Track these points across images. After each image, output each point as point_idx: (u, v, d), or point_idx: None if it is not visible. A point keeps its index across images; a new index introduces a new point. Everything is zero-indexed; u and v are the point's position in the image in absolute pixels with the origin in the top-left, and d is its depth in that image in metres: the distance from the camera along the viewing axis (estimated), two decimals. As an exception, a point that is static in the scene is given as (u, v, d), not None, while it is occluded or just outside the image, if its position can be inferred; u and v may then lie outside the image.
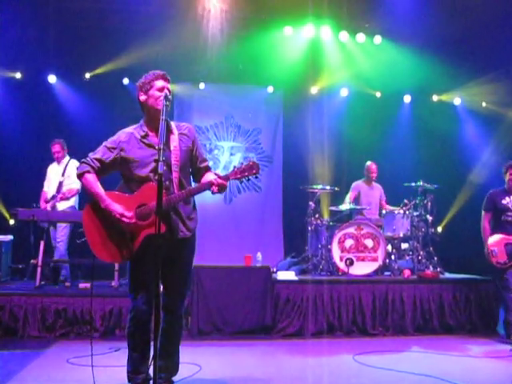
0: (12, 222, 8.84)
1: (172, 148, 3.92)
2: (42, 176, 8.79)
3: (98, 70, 9.49)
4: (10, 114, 9.06)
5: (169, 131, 3.94)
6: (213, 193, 3.87)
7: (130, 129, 4.06)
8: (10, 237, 8.02)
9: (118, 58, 9.12)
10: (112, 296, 6.56)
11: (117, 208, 3.81)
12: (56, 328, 6.35)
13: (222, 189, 3.87)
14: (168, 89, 3.93)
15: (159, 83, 3.93)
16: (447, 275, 7.95)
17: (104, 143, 4.02)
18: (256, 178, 3.97)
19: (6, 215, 8.94)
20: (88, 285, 7.17)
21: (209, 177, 3.99)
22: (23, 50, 9.03)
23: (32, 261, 7.40)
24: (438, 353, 5.91)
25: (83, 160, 3.99)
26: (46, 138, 9.12)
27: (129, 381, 4.04)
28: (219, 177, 3.86)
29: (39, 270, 7.02)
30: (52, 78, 9.54)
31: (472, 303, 7.12)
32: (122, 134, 4.02)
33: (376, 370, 5.16)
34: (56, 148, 7.95)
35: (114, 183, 4.07)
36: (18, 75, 9.37)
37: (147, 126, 4.02)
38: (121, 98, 9.07)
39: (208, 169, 4.19)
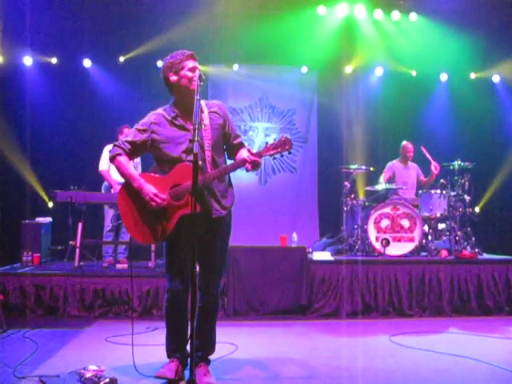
0: (51, 204, 9.00)
1: (203, 127, 3.91)
2: (79, 158, 8.93)
3: (132, 54, 9.51)
4: (46, 99, 9.18)
5: (199, 110, 3.93)
6: (247, 170, 3.86)
7: (159, 110, 4.06)
8: (49, 219, 8.17)
9: (151, 41, 9.12)
10: (149, 276, 6.64)
11: (150, 189, 3.82)
12: (95, 308, 6.46)
13: (255, 166, 3.84)
14: (198, 69, 3.92)
15: (190, 63, 3.92)
16: (485, 256, 7.84)
17: (135, 126, 4.04)
18: (289, 153, 3.89)
19: (45, 198, 9.09)
20: (125, 265, 7.29)
21: (242, 154, 3.95)
22: (58, 35, 9.14)
23: (71, 242, 7.54)
24: (476, 334, 5.84)
25: (115, 143, 4.03)
26: (81, 121, 9.27)
27: (168, 357, 4.12)
28: (252, 154, 3.84)
29: (78, 251, 7.17)
30: (87, 63, 9.59)
31: (511, 284, 6.99)
32: (152, 116, 4.03)
33: (413, 351, 5.12)
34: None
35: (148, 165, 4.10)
36: (54, 60, 9.44)
37: (177, 106, 4.02)
38: (155, 80, 9.00)
39: (242, 145, 4.16)
